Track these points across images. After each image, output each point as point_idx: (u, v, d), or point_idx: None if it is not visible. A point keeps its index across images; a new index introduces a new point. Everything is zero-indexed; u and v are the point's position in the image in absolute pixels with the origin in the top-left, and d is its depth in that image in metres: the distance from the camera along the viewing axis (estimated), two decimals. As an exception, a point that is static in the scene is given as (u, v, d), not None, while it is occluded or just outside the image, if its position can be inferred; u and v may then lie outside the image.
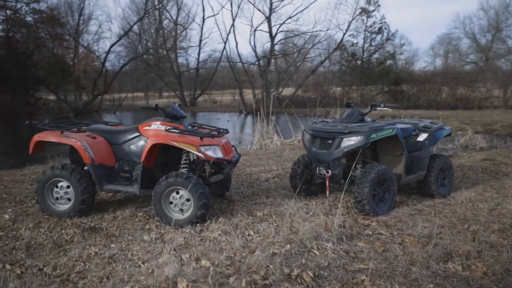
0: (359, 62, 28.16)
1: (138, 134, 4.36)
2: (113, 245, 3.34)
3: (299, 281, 2.56)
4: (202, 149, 3.96)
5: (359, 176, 4.29)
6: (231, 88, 32.17)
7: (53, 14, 30.98)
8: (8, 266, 2.89)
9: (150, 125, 4.32)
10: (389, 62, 27.59)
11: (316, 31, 25.84)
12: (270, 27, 25.60)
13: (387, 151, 4.79)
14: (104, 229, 3.76)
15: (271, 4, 25.04)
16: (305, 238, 3.22)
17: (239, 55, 27.61)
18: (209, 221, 3.90)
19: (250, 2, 29.23)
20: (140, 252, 3.12)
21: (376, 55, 28.39)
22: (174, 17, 32.17)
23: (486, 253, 3.08)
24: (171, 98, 36.97)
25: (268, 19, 25.42)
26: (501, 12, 41.22)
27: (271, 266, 2.71)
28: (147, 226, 3.86)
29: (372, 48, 27.77)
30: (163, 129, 4.12)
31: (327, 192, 4.59)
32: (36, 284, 2.58)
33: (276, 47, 27.37)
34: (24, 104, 23.25)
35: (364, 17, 26.91)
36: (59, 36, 31.23)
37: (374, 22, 26.98)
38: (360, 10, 26.62)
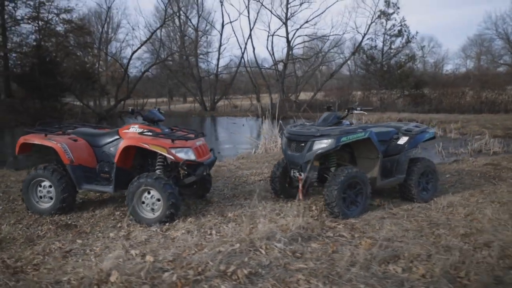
0: (378, 65, 27.69)
1: (118, 137, 4.57)
2: (79, 241, 3.54)
3: (233, 277, 2.65)
4: (173, 151, 4.12)
5: (329, 179, 4.32)
6: (252, 93, 32.42)
7: (81, 24, 32.52)
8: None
9: (128, 128, 4.52)
10: (409, 65, 26.97)
11: (333, 35, 25.69)
12: (287, 32, 25.73)
13: (363, 154, 4.79)
14: (78, 226, 3.98)
15: (287, 9, 25.21)
16: (257, 238, 3.29)
17: (256, 61, 27.94)
18: (177, 220, 4.04)
19: (267, 8, 29.42)
20: (99, 248, 3.30)
21: (396, 58, 27.84)
22: (195, 24, 32.95)
23: (437, 257, 3.05)
24: (194, 103, 37.76)
25: (285, 24, 25.56)
26: (534, 12, 39.23)
27: (211, 263, 2.81)
28: (119, 225, 4.05)
29: (391, 51, 27.26)
30: (138, 132, 4.32)
31: (300, 195, 4.63)
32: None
33: (296, 52, 27.42)
34: (51, 110, 24.35)
35: (383, 20, 26.52)
36: (87, 45, 32.75)
37: (394, 25, 26.54)
38: (379, 13, 26.25)
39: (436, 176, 5.20)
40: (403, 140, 4.96)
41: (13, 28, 29.69)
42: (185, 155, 4.21)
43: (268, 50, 28.62)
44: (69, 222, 4.10)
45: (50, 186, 4.34)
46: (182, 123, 26.02)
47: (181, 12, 29.99)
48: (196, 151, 4.35)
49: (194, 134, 4.64)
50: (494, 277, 2.66)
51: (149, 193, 4.10)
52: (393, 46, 27.33)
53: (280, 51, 31.50)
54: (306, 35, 27.35)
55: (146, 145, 4.11)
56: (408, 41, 26.66)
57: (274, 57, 27.49)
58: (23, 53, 28.48)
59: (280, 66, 27.00)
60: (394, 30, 26.56)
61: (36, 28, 29.77)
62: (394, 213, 4.45)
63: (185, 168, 4.36)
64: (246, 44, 28.80)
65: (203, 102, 33.01)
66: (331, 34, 26.09)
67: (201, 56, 33.60)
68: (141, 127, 4.45)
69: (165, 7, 27.75)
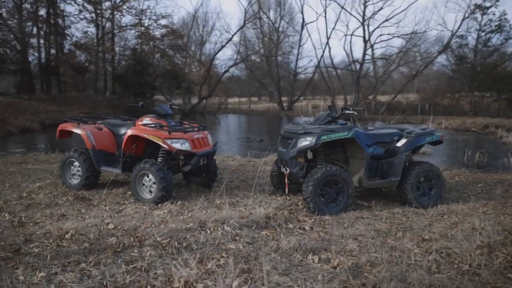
0: (469, 65, 25.11)
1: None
2: (83, 210, 4.32)
3: (165, 248, 3.08)
4: (168, 141, 4.69)
5: (308, 175, 4.46)
6: (326, 94, 32.09)
7: (175, 28, 35.82)
8: (6, 215, 4.06)
9: (142, 121, 5.23)
10: (507, 64, 23.93)
11: (415, 33, 24.10)
12: (364, 31, 24.91)
13: (354, 154, 4.80)
14: (91, 200, 4.79)
15: (364, 8, 24.40)
16: (211, 220, 3.67)
17: (331, 61, 27.53)
18: (167, 202, 4.59)
19: (345, 9, 28.81)
20: (88, 216, 4.01)
21: (493, 57, 24.89)
22: (277, 26, 33.80)
23: (368, 254, 3.08)
24: (273, 103, 38.69)
25: (362, 24, 24.76)
26: None
27: (155, 235, 3.29)
28: (122, 201, 4.76)
29: (487, 49, 24.46)
30: (142, 123, 4.99)
31: (286, 189, 4.84)
32: (4, 226, 3.67)
33: (379, 51, 26.41)
34: (141, 106, 27.45)
35: (478, 15, 23.95)
36: (179, 47, 35.95)
37: (490, 20, 23.78)
38: (473, 7, 23.82)
39: (441, 182, 4.92)
40: (401, 142, 4.83)
41: (119, 34, 34.15)
42: (181, 145, 4.75)
43: (345, 49, 28.49)
44: (87, 196, 4.93)
45: (79, 166, 5.27)
46: (248, 121, 27.04)
47: (263, 14, 31.00)
48: (193, 142, 4.86)
49: (198, 128, 5.15)
50: (387, 275, 2.65)
51: (148, 177, 4.73)
52: (489, 44, 24.50)
53: (360, 50, 30.52)
54: (388, 34, 26.15)
55: (145, 135, 4.75)
56: (509, 38, 23.67)
57: (352, 56, 26.88)
58: (125, 56, 32.58)
59: (357, 66, 26.24)
60: (491, 26, 23.83)
61: (138, 33, 33.80)
62: (377, 214, 4.40)
63: (182, 157, 4.90)
64: (324, 46, 28.63)
65: (281, 101, 33.64)
66: (413, 32, 24.45)
67: (281, 56, 34.22)
68: (151, 120, 5.12)
69: (245, 10, 29.07)
